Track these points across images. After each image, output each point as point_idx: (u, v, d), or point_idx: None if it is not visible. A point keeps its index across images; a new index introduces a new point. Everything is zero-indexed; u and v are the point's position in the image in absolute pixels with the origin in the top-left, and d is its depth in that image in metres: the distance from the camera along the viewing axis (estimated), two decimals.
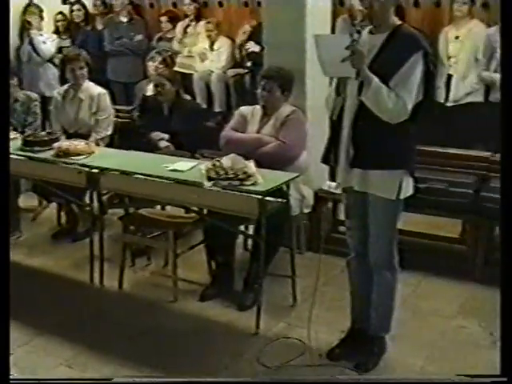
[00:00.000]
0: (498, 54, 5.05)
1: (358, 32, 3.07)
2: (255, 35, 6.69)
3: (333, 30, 5.40)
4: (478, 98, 5.55)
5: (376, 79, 3.03)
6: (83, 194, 4.74)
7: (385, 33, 3.13)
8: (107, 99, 5.58)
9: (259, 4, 7.06)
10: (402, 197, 3.21)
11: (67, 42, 7.98)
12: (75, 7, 8.11)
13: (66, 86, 5.65)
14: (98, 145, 5.13)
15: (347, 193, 3.39)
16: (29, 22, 7.56)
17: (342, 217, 3.97)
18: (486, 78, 5.18)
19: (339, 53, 2.96)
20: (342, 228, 4.55)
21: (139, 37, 7.85)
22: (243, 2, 7.80)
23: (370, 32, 3.18)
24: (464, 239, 4.76)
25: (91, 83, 5.59)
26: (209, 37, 7.40)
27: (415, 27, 5.49)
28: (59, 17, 8.07)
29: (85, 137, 5.16)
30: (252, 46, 6.89)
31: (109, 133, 5.55)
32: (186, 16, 7.81)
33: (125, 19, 7.91)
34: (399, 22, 3.18)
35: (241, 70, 7.26)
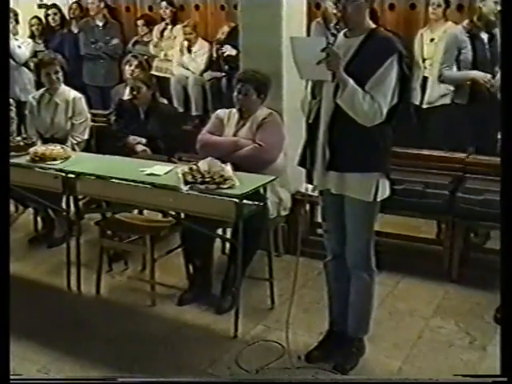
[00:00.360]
0: (465, 55, 5.05)
1: (333, 35, 3.08)
2: (232, 38, 6.68)
3: (308, 33, 5.42)
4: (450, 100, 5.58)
5: (351, 82, 3.04)
6: (60, 199, 4.72)
7: (360, 36, 3.14)
8: (83, 103, 5.56)
9: (236, 7, 7.06)
10: (378, 199, 3.22)
11: (42, 46, 7.94)
12: (51, 11, 8.08)
13: (41, 91, 5.62)
14: (74, 149, 5.11)
15: (324, 195, 3.40)
16: None
17: (319, 219, 3.99)
18: (449, 77, 5.18)
19: (315, 55, 2.96)
20: (319, 230, 4.55)
21: (115, 41, 7.83)
22: (220, 5, 7.81)
23: (345, 35, 3.19)
24: (440, 240, 4.80)
25: (67, 87, 5.57)
26: (187, 40, 7.38)
27: (390, 30, 5.54)
28: (34, 21, 8.03)
29: (61, 141, 5.13)
30: (228, 50, 6.89)
31: (85, 137, 5.53)
32: (163, 19, 7.79)
33: (100, 23, 7.88)
34: (374, 26, 3.19)
35: (217, 74, 7.25)
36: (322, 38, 3.05)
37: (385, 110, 3.07)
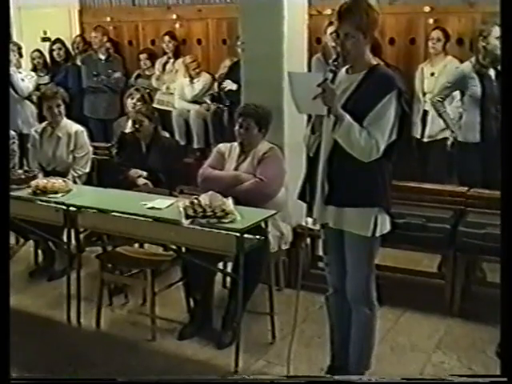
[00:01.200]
0: (473, 90, 5.08)
1: (332, 71, 3.10)
2: (233, 72, 6.73)
3: (309, 68, 5.45)
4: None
5: (348, 117, 3.06)
6: (61, 231, 4.72)
7: (361, 72, 3.16)
8: (85, 137, 5.59)
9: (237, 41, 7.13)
10: (377, 234, 3.21)
11: (45, 79, 8.00)
12: (55, 46, 8.14)
13: (43, 124, 5.65)
14: (75, 182, 5.12)
15: (325, 228, 3.40)
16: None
17: (320, 252, 3.98)
18: (438, 108, 5.28)
19: (311, 90, 3.00)
20: (320, 264, 4.55)
21: (117, 74, 7.88)
22: (222, 39, 7.89)
23: (347, 72, 3.22)
24: (442, 274, 4.78)
25: (69, 121, 5.61)
26: (190, 74, 7.44)
27: (391, 65, 5.60)
28: (35, 54, 8.10)
29: (62, 174, 5.16)
30: (229, 85, 6.92)
31: (86, 170, 5.56)
32: (165, 53, 7.86)
33: (103, 56, 7.94)
34: (375, 62, 3.22)
35: (219, 105, 7.28)
36: (319, 73, 3.10)
37: (382, 147, 3.08)
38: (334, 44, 3.28)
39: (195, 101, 7.45)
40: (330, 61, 3.16)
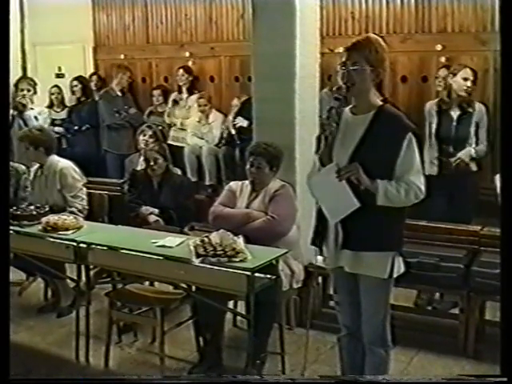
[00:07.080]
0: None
1: (338, 99, 3.08)
2: (245, 110, 6.75)
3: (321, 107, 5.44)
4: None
5: (379, 183, 3.02)
6: (63, 266, 4.69)
7: (368, 113, 3.12)
8: (72, 173, 5.36)
9: (249, 79, 7.16)
10: (394, 275, 3.17)
11: (61, 115, 8.05)
12: (74, 83, 8.19)
13: (37, 164, 5.50)
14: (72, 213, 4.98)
15: (336, 271, 3.34)
16: (23, 96, 7.67)
17: (332, 291, 3.93)
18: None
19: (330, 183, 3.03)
20: (332, 303, 4.49)
21: (133, 110, 7.93)
22: (234, 76, 7.94)
23: (352, 112, 3.18)
24: (456, 314, 4.71)
25: (56, 158, 5.42)
26: (202, 111, 7.47)
27: (396, 106, 5.64)
28: (54, 90, 8.15)
29: (58, 211, 4.92)
30: (240, 121, 6.95)
31: (80, 206, 5.33)
32: (179, 88, 7.90)
33: (120, 93, 8.00)
34: (380, 102, 3.20)
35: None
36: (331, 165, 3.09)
37: (423, 187, 3.07)
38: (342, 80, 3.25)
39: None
40: (334, 88, 3.12)
